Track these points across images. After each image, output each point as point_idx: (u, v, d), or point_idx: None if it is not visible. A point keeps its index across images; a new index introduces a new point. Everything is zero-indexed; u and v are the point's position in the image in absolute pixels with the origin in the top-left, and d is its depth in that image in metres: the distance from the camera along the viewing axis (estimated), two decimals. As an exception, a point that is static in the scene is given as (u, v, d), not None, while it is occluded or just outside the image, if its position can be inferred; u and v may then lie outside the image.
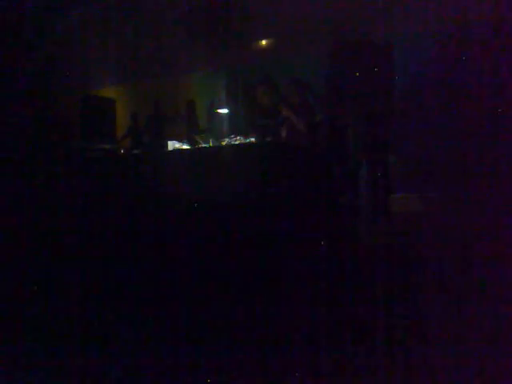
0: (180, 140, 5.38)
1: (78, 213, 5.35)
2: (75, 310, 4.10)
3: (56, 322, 4.00)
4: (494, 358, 2.81)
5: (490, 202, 4.39)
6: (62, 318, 4.05)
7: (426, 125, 5.84)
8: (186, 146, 5.18)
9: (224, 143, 4.81)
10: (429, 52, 6.12)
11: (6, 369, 3.37)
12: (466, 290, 3.42)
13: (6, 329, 3.99)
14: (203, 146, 5.16)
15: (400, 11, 6.10)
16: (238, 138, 4.77)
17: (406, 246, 4.28)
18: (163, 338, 3.59)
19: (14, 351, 3.62)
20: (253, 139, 4.81)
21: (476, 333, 3.04)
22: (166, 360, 3.28)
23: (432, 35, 6.02)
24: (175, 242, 4.37)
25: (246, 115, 5.64)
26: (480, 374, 2.71)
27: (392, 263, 3.87)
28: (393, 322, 3.33)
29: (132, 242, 4.67)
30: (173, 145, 5.16)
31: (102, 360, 3.38)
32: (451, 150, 5.51)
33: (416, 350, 3.02)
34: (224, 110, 5.58)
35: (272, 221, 4.24)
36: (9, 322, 4.09)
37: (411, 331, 3.25)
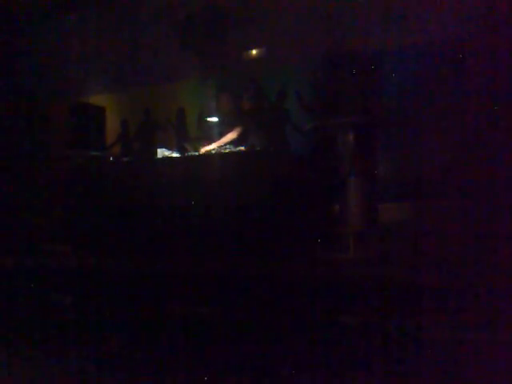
0: (169, 148, 5.37)
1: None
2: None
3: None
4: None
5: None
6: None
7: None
8: (175, 154, 5.17)
9: (214, 151, 4.81)
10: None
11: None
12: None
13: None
14: (193, 153, 5.16)
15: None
16: (228, 146, 4.78)
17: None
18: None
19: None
20: (242, 147, 4.83)
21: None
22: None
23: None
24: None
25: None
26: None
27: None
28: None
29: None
30: (162, 152, 5.15)
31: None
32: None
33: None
34: (213, 119, 5.58)
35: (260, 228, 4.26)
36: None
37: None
